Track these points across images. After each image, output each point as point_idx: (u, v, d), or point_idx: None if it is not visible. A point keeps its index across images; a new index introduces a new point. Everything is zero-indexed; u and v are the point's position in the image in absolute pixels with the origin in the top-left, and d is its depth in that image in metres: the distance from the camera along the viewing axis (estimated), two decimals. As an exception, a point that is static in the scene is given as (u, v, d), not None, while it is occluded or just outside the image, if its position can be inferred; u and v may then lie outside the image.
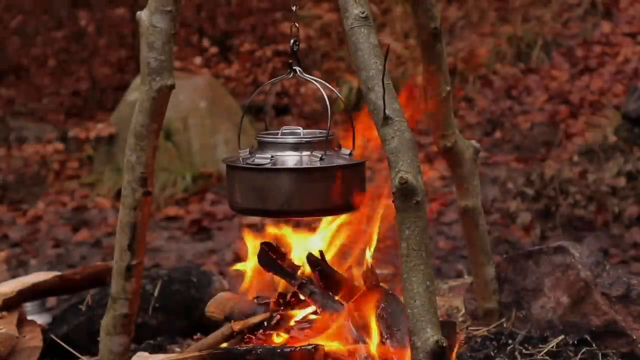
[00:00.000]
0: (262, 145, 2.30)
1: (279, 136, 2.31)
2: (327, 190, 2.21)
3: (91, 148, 7.31)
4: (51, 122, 8.35)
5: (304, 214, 2.28)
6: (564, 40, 8.07)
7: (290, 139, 2.28)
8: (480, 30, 8.21)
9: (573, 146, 6.44)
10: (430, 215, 5.72)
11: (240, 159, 2.28)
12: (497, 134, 7.16)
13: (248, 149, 2.32)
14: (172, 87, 2.42)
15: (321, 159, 2.22)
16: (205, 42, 8.77)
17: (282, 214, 2.27)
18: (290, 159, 2.25)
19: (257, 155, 2.26)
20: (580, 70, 7.76)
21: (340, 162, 2.25)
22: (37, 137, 7.75)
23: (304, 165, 2.22)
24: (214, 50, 8.64)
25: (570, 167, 5.72)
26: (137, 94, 2.51)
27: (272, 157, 2.24)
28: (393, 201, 1.93)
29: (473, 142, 2.72)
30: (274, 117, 7.70)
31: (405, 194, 1.91)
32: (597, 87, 7.42)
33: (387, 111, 1.95)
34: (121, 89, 8.25)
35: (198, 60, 8.44)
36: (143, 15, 2.39)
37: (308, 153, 2.25)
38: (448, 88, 2.59)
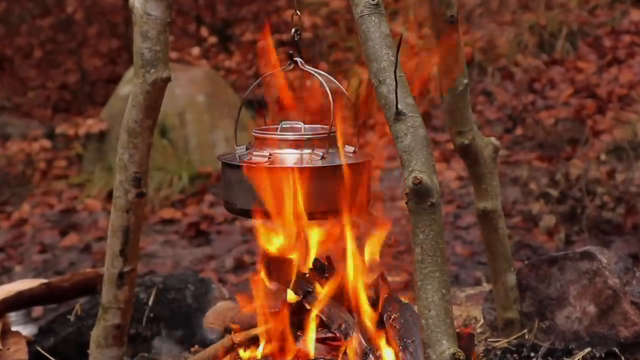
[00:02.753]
0: (260, 142, 2.29)
1: (278, 132, 2.30)
2: (329, 191, 2.20)
3: (80, 146, 7.33)
4: (37, 117, 8.38)
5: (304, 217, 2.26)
6: (591, 30, 8.06)
7: (290, 136, 2.27)
8: (500, 18, 8.20)
9: (600, 144, 6.43)
10: (446, 219, 5.72)
11: (237, 157, 2.27)
12: (519, 131, 7.15)
13: (245, 146, 2.31)
14: (168, 79, 2.43)
15: (323, 157, 2.21)
16: (204, 32, 8.79)
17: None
18: (289, 157, 2.24)
19: (254, 153, 2.25)
20: (608, 62, 7.74)
21: (343, 160, 2.23)
22: (22, 133, 7.78)
23: (305, 164, 2.21)
24: (212, 40, 8.66)
25: (598, 166, 5.71)
26: (129, 87, 2.52)
27: (270, 154, 2.23)
28: (406, 203, 1.93)
29: (492, 139, 2.72)
30: (276, 112, 7.69)
31: (419, 195, 1.91)
32: (626, 79, 7.40)
33: (399, 106, 1.94)
34: (113, 81, 8.28)
35: (196, 50, 8.45)
36: (136, 2, 2.40)
37: (309, 151, 2.24)
38: (465, 81, 2.59)
